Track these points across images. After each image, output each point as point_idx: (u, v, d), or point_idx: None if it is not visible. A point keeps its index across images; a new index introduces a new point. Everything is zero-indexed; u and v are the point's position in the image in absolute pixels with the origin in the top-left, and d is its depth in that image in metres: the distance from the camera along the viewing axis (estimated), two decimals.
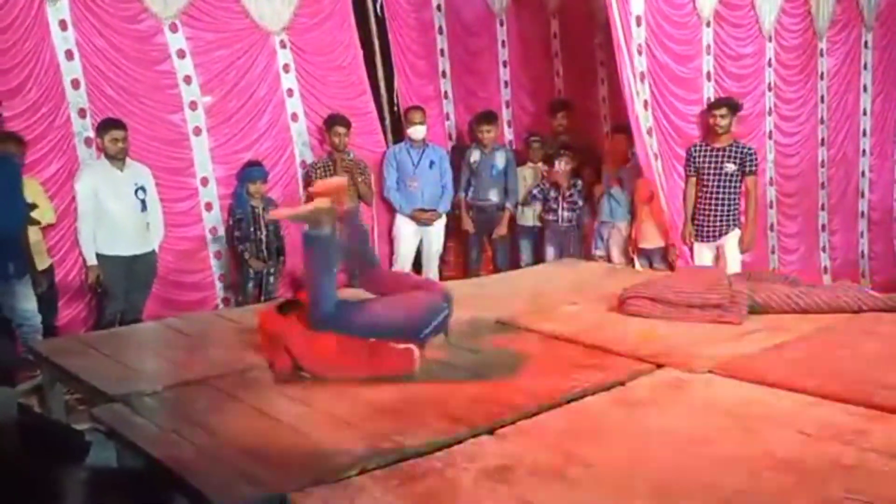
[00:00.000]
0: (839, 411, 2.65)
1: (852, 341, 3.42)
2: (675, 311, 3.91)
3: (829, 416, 2.62)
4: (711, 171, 5.46)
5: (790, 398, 2.80)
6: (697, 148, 5.56)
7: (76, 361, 3.47)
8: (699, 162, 5.50)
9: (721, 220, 5.49)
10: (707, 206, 5.51)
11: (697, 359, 3.24)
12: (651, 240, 5.76)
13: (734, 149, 5.45)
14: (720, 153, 5.44)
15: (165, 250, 5.29)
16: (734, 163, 5.41)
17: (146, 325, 4.44)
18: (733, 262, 5.47)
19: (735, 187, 5.45)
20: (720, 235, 5.50)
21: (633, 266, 5.36)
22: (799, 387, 2.84)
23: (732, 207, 5.50)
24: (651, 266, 5.64)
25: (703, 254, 5.57)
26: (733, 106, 5.53)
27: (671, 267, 5.58)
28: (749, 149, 5.51)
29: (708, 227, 5.53)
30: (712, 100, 5.74)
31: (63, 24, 4.99)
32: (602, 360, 3.34)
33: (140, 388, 3.11)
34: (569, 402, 2.89)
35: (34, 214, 4.56)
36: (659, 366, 3.23)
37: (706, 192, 5.49)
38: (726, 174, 5.43)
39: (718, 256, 5.56)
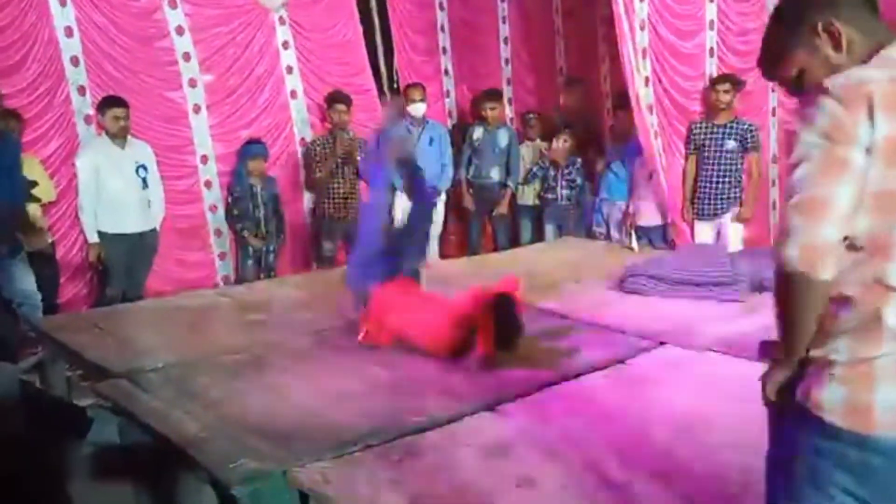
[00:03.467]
0: None
1: None
2: (676, 288, 3.91)
3: None
4: (712, 149, 5.41)
5: None
6: (698, 125, 5.51)
7: (78, 338, 3.48)
8: (700, 139, 5.45)
9: (722, 198, 5.45)
10: (708, 184, 5.47)
11: (698, 336, 3.25)
12: (651, 218, 5.74)
13: (736, 125, 5.40)
14: (721, 130, 5.39)
15: (166, 228, 5.28)
16: (735, 139, 5.36)
17: (147, 303, 4.45)
18: (735, 239, 5.45)
19: (736, 165, 5.41)
20: (721, 213, 5.47)
21: (630, 243, 5.33)
22: None
23: (733, 185, 5.46)
24: (651, 244, 5.63)
25: (704, 232, 5.54)
26: (736, 82, 5.47)
27: (671, 245, 5.56)
28: (751, 125, 5.46)
29: (708, 204, 5.49)
30: (714, 76, 5.69)
31: (62, 1, 4.95)
32: (603, 338, 3.35)
33: (143, 364, 3.12)
34: (569, 379, 2.90)
35: (34, 192, 4.55)
36: (660, 343, 3.24)
37: (707, 170, 5.45)
38: (727, 151, 5.38)
39: (719, 234, 5.54)
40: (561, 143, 6.04)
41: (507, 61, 7.12)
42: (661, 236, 5.72)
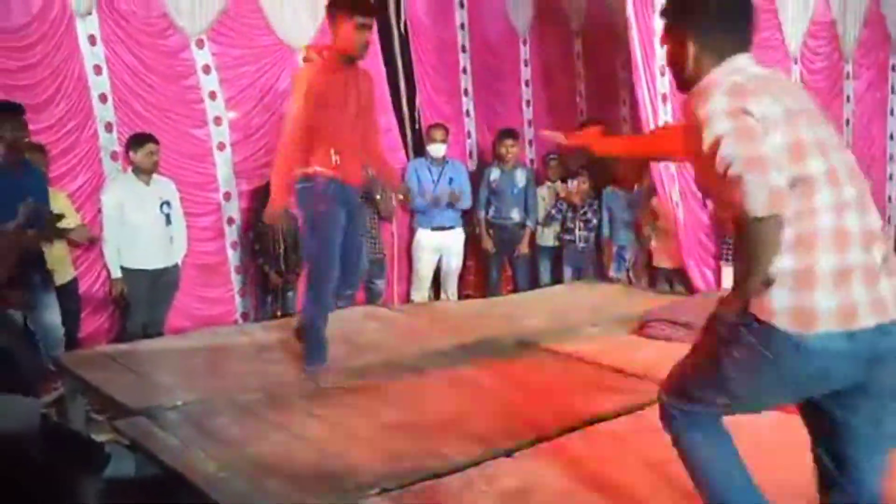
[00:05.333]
0: None
1: None
2: (696, 334, 3.86)
3: None
4: None
5: None
6: None
7: (98, 374, 3.50)
8: None
9: None
10: None
11: None
12: (669, 260, 5.71)
13: None
14: None
15: (188, 264, 5.31)
16: None
17: (167, 339, 4.47)
18: None
19: None
20: None
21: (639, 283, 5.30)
22: None
23: None
24: (671, 287, 5.59)
25: (731, 277, 5.46)
26: None
27: (689, 289, 5.52)
28: None
29: None
30: None
31: (92, 40, 5.05)
32: (623, 383, 3.33)
33: (161, 401, 3.13)
34: (589, 424, 2.88)
35: (63, 224, 4.59)
36: None
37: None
38: None
39: None
40: (578, 185, 6.06)
41: (528, 103, 7.17)
42: (680, 279, 5.68)
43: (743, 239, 1.73)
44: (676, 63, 2.00)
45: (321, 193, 3.41)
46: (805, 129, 1.80)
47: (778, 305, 1.72)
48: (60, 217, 4.48)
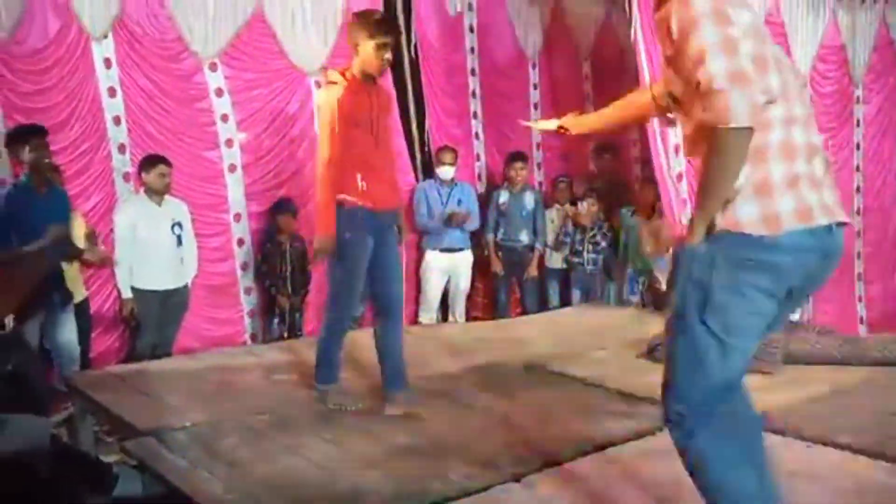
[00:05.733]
0: (877, 468, 2.59)
1: (890, 395, 3.35)
2: None
3: (867, 473, 2.56)
4: None
5: (826, 453, 2.75)
6: None
7: (108, 394, 3.51)
8: None
9: None
10: None
11: None
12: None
13: None
14: None
15: (197, 285, 5.33)
16: None
17: (176, 360, 4.48)
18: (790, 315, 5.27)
19: None
20: None
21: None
22: (836, 442, 2.78)
23: None
24: None
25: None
26: None
27: None
28: None
29: None
30: None
31: (108, 63, 5.12)
32: (632, 408, 3.31)
33: (170, 422, 3.13)
34: (598, 449, 2.86)
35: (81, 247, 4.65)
36: None
37: None
38: None
39: None
40: (587, 207, 6.07)
41: None
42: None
43: (716, 150, 1.82)
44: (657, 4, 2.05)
45: (348, 221, 3.32)
46: (767, 43, 1.95)
47: (746, 216, 1.86)
48: (91, 235, 4.54)
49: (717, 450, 1.91)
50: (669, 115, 2.20)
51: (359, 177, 3.31)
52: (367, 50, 3.30)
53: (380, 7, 6.08)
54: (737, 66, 1.79)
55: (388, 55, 3.40)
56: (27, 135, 4.26)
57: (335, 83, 3.35)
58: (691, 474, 1.97)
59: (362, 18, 3.42)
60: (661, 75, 2.10)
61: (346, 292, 3.44)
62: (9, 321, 4.20)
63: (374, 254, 3.43)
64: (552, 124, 2.82)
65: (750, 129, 1.80)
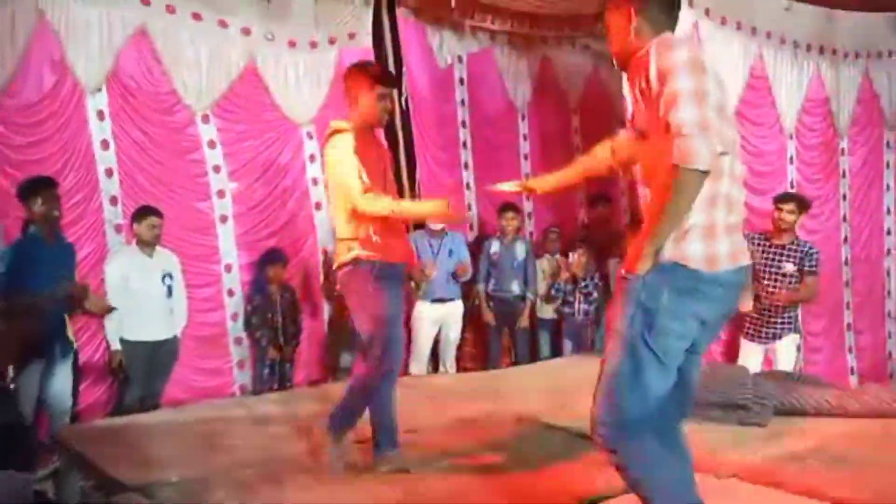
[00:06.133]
0: None
1: (883, 447, 3.33)
2: (697, 410, 3.83)
3: None
4: (768, 270, 5.14)
5: None
6: (754, 239, 5.16)
7: (94, 448, 3.46)
8: (756, 256, 5.06)
9: (776, 323, 5.18)
10: (762, 306, 5.17)
11: (722, 462, 3.17)
12: None
13: (796, 247, 5.13)
14: (780, 251, 5.14)
15: (187, 335, 5.30)
16: (793, 262, 5.09)
17: (165, 412, 4.44)
18: (787, 363, 5.21)
19: (794, 289, 5.13)
20: (773, 339, 5.22)
21: None
22: (829, 496, 2.75)
23: (790, 310, 5.20)
24: None
25: (751, 354, 5.23)
26: (802, 202, 5.29)
27: None
28: (811, 247, 5.18)
29: (761, 327, 5.21)
30: (779, 193, 5.61)
31: (101, 115, 5.16)
32: None
33: (157, 477, 3.09)
34: (592, 503, 2.83)
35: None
36: None
37: (762, 292, 5.16)
38: (784, 275, 5.11)
39: (768, 359, 5.26)
40: (577, 257, 6.09)
41: (527, 176, 7.26)
42: None
43: (675, 188, 2.04)
44: (619, 39, 2.31)
45: (367, 278, 3.23)
46: (725, 98, 2.22)
47: (692, 253, 2.11)
48: (85, 288, 4.55)
49: (647, 451, 2.15)
50: (629, 166, 2.44)
51: (371, 230, 3.24)
52: (368, 101, 3.31)
53: (372, 59, 6.20)
54: (704, 115, 2.03)
55: (389, 105, 3.45)
56: (39, 186, 4.32)
57: (344, 131, 3.27)
58: (619, 470, 2.20)
59: (361, 70, 3.44)
60: (633, 109, 2.28)
61: (393, 343, 3.35)
62: (10, 370, 4.19)
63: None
64: (515, 186, 3.04)
65: (707, 173, 2.03)
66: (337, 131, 3.30)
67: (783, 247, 5.16)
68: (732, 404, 3.77)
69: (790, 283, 5.14)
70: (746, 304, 5.16)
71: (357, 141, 3.24)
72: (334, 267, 3.41)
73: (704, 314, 2.17)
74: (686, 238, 2.10)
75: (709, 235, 2.12)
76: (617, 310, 2.18)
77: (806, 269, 5.12)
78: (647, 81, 2.11)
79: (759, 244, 5.19)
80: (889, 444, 3.37)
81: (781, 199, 5.32)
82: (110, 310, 4.72)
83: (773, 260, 5.16)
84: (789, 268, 5.12)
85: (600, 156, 2.64)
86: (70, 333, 4.77)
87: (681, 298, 2.10)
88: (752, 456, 3.25)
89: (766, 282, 5.17)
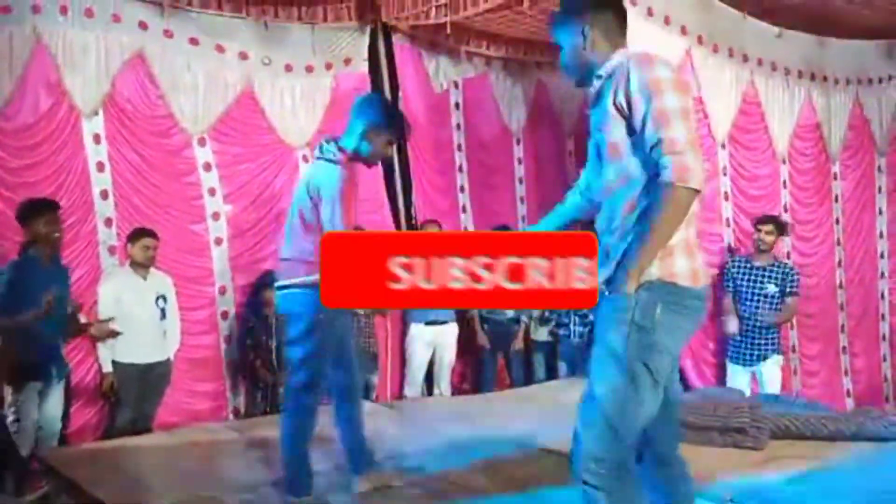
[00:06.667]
0: None
1: (878, 470, 3.31)
2: (693, 433, 3.82)
3: None
4: (751, 291, 5.25)
5: None
6: (736, 262, 5.33)
7: (84, 472, 3.42)
8: (738, 279, 5.28)
9: (760, 345, 5.24)
10: (745, 328, 5.26)
11: (720, 487, 3.14)
12: None
13: (777, 268, 5.26)
14: (761, 272, 5.25)
15: (180, 358, 5.26)
16: (775, 284, 5.20)
17: (156, 436, 4.39)
18: (773, 385, 5.23)
19: (776, 310, 5.24)
20: (759, 360, 5.27)
21: None
22: None
23: (773, 331, 5.27)
24: None
25: (738, 377, 5.29)
26: (780, 224, 5.40)
27: (685, 386, 5.49)
28: (792, 268, 5.31)
29: (746, 349, 5.27)
30: (730, 220, 5.75)
31: (97, 138, 5.17)
32: None
33: (147, 502, 3.05)
34: None
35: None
36: None
37: (745, 314, 5.26)
38: (766, 296, 5.21)
39: (754, 380, 5.32)
40: None
41: (522, 200, 7.29)
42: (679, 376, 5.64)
43: (668, 206, 2.03)
44: (574, 53, 2.30)
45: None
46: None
47: (679, 269, 2.11)
48: (79, 308, 4.53)
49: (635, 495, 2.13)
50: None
51: None
52: (377, 140, 3.27)
53: (367, 85, 6.25)
54: (693, 133, 2.06)
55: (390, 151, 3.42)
56: (42, 208, 4.30)
57: (335, 163, 3.23)
58: None
59: (384, 108, 3.39)
60: (602, 123, 2.21)
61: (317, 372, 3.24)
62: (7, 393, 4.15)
63: (342, 334, 3.34)
64: None
65: (699, 191, 2.05)
66: (329, 161, 3.24)
67: (764, 268, 5.29)
68: (729, 428, 3.75)
69: (772, 304, 5.24)
70: (732, 327, 5.23)
71: (351, 174, 3.21)
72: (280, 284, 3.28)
73: (691, 329, 2.21)
74: (673, 255, 2.11)
75: (689, 252, 2.15)
76: (605, 333, 2.13)
77: (787, 290, 5.26)
78: (628, 96, 2.10)
79: (740, 266, 5.35)
80: (885, 468, 3.35)
81: (760, 220, 5.49)
82: (115, 335, 4.69)
83: (755, 281, 5.29)
84: (771, 289, 5.24)
85: (573, 200, 2.55)
86: (64, 355, 4.76)
87: (672, 315, 2.09)
88: (750, 479, 3.22)
89: (748, 303, 5.29)
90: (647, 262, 2.07)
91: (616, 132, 2.15)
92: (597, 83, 2.25)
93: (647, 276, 2.08)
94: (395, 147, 3.43)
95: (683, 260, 2.12)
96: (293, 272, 3.20)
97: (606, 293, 2.10)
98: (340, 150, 3.26)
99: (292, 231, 3.27)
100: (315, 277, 3.07)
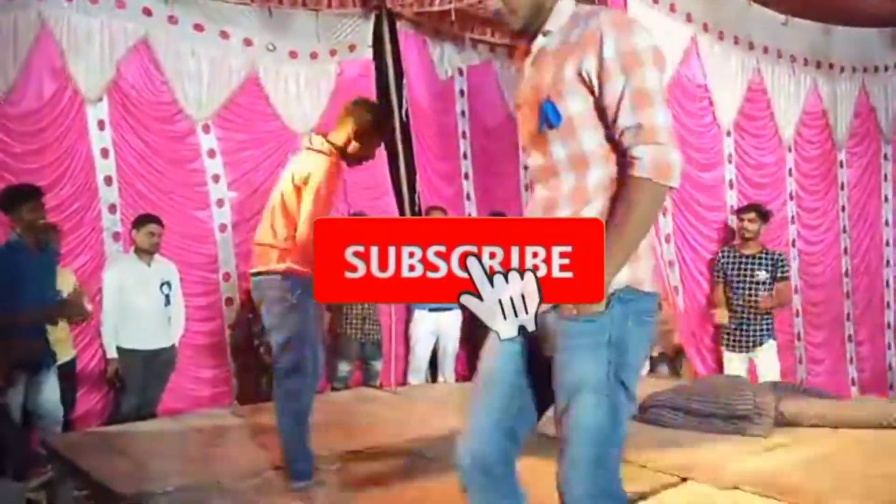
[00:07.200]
0: None
1: (883, 457, 3.31)
2: (699, 421, 3.82)
3: None
4: (742, 279, 5.33)
5: None
6: (726, 253, 5.45)
7: (88, 457, 3.43)
8: (729, 268, 5.39)
9: (754, 331, 5.31)
10: (739, 315, 5.34)
11: (723, 473, 3.14)
12: (669, 344, 5.71)
13: (765, 256, 5.35)
14: (750, 260, 5.34)
15: (184, 344, 5.28)
16: (766, 270, 5.30)
17: (161, 421, 4.40)
18: (771, 372, 5.28)
19: (768, 296, 5.31)
20: (754, 346, 5.32)
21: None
22: None
23: (766, 317, 5.33)
24: (653, 371, 5.59)
25: (734, 364, 5.35)
26: (762, 212, 5.46)
27: (674, 373, 5.52)
28: (780, 254, 5.42)
29: (740, 336, 5.34)
30: (736, 207, 5.77)
31: (101, 124, 5.17)
32: (625, 472, 3.25)
33: (152, 487, 3.06)
34: None
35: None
36: (683, 479, 3.14)
37: (737, 301, 5.34)
38: (758, 283, 5.30)
39: (751, 368, 5.37)
40: None
41: (526, 187, 7.28)
42: (666, 364, 5.68)
43: (645, 204, 1.70)
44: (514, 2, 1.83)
45: (292, 290, 3.15)
46: None
47: (643, 273, 1.78)
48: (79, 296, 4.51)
49: None
50: None
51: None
52: (366, 140, 3.33)
53: (372, 72, 6.23)
54: (670, 121, 1.73)
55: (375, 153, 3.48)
56: (27, 195, 4.24)
57: (324, 153, 3.25)
58: None
59: (375, 112, 3.45)
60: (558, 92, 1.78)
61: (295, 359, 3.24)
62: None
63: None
64: None
65: (673, 190, 1.75)
66: (319, 151, 3.27)
67: (753, 256, 5.38)
68: (734, 415, 3.75)
69: (763, 289, 5.32)
70: (722, 316, 5.31)
71: (336, 168, 3.27)
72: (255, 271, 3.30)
73: (650, 339, 1.88)
74: (637, 259, 1.76)
75: (648, 255, 1.82)
76: (574, 363, 1.73)
77: (778, 276, 5.35)
78: (600, 64, 1.71)
79: (730, 256, 5.44)
80: (890, 456, 3.35)
81: (742, 210, 5.54)
82: (85, 314, 4.62)
83: (746, 269, 5.36)
84: (762, 275, 5.32)
85: None
86: (69, 342, 4.77)
87: (641, 328, 1.77)
88: (754, 466, 3.22)
89: (740, 291, 5.36)
90: (617, 270, 1.70)
91: (575, 104, 1.75)
92: (545, 39, 1.84)
93: (615, 285, 1.71)
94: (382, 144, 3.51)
95: (647, 261, 1.80)
96: (266, 258, 3.23)
97: (576, 312, 1.69)
98: (330, 143, 3.30)
99: (270, 216, 3.28)
100: (287, 264, 3.14)
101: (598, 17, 1.75)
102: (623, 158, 1.73)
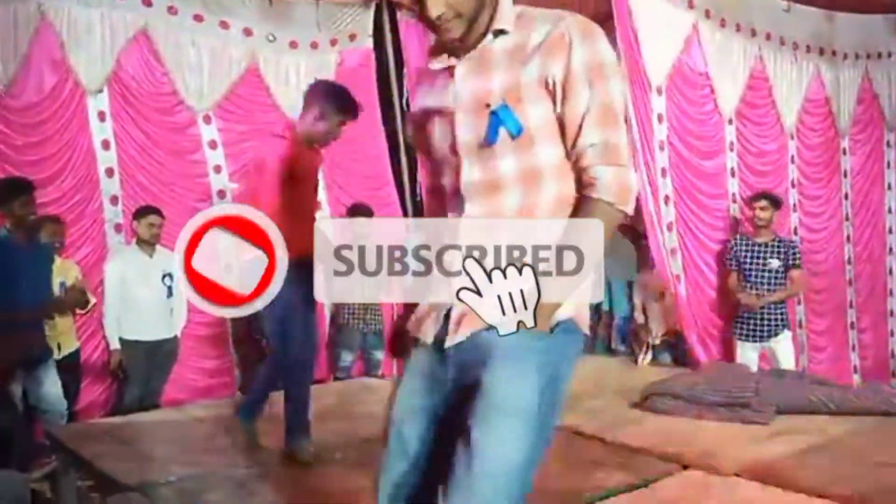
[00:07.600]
0: None
1: (885, 445, 3.31)
2: (700, 408, 3.83)
3: None
4: (755, 268, 5.29)
5: None
6: (738, 241, 5.40)
7: (92, 448, 3.45)
8: (741, 256, 5.33)
9: (768, 321, 5.25)
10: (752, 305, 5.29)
11: (724, 460, 3.15)
12: (671, 332, 5.72)
13: (779, 244, 5.30)
14: (763, 248, 5.29)
15: (186, 335, 5.29)
16: (779, 258, 5.25)
17: (164, 412, 4.42)
18: (786, 362, 5.26)
19: (782, 284, 5.28)
20: (768, 336, 5.27)
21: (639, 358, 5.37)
22: (831, 494, 2.74)
23: (781, 306, 5.29)
24: (656, 359, 5.59)
25: (747, 354, 5.29)
26: (774, 199, 5.42)
27: (678, 361, 5.53)
28: (793, 242, 5.40)
29: (754, 326, 5.28)
30: (737, 195, 5.75)
31: (102, 116, 5.17)
32: (626, 459, 3.27)
33: (154, 477, 3.07)
34: (591, 502, 2.81)
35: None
36: (685, 466, 3.15)
37: (750, 290, 5.29)
38: (771, 271, 5.25)
39: (763, 357, 5.35)
40: None
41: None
42: (668, 352, 5.68)
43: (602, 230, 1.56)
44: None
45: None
46: None
47: (584, 314, 1.64)
48: (84, 294, 4.51)
49: None
50: None
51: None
52: (328, 122, 3.40)
53: (372, 61, 6.22)
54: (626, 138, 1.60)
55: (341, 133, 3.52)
56: (18, 189, 4.18)
57: (281, 137, 3.38)
58: None
59: (338, 92, 3.51)
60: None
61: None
62: None
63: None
64: None
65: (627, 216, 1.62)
66: (277, 136, 3.41)
67: (766, 244, 5.33)
68: (735, 402, 3.75)
69: (776, 278, 5.28)
70: (747, 297, 5.28)
71: (295, 152, 3.33)
72: None
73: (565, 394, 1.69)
74: (581, 298, 1.61)
75: (590, 295, 1.65)
76: (505, 384, 1.55)
77: (791, 264, 5.30)
78: (566, 73, 1.56)
79: (742, 244, 5.39)
80: (892, 442, 3.35)
81: (753, 197, 5.49)
82: (87, 304, 4.58)
83: (759, 258, 5.31)
84: (774, 263, 5.28)
85: None
86: (72, 334, 4.78)
87: (570, 368, 1.65)
88: (755, 454, 3.22)
89: (753, 279, 5.31)
90: (567, 295, 1.54)
91: (536, 113, 1.58)
92: (494, 40, 1.63)
93: (562, 315, 1.57)
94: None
95: (587, 306, 1.65)
96: None
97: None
98: (289, 128, 3.40)
99: (239, 202, 3.38)
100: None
101: (564, 21, 1.58)
102: (579, 177, 1.60)
